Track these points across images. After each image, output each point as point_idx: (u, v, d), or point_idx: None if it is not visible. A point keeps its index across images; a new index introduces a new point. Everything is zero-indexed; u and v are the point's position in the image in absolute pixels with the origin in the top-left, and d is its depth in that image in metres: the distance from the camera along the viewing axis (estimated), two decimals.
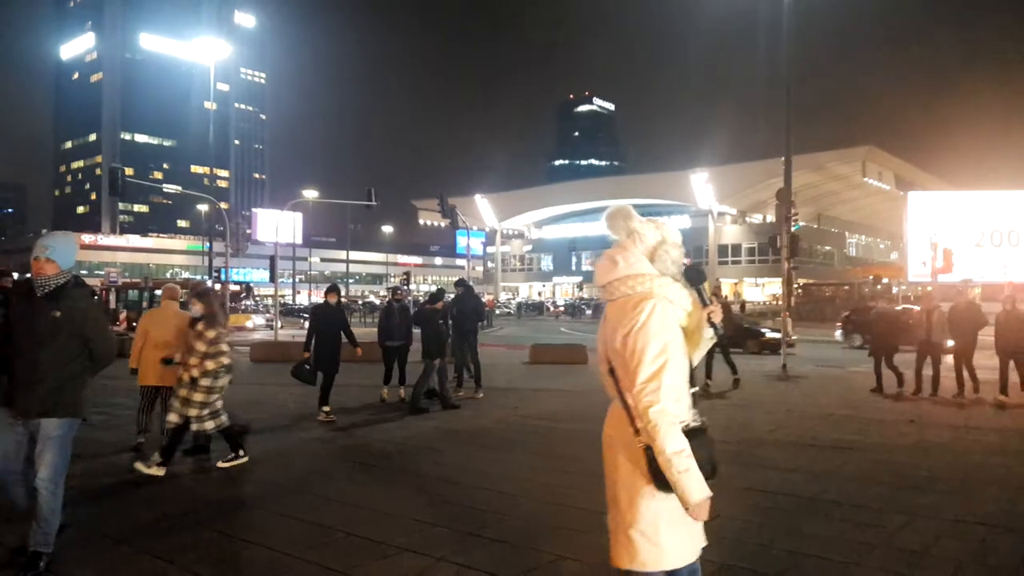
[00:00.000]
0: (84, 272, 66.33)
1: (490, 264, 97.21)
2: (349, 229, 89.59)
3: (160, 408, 7.48)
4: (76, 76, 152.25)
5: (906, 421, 9.45)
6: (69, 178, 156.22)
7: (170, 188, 47.23)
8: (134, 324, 18.11)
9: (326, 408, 9.56)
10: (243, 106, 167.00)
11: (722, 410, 10.35)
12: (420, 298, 31.94)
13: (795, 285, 45.49)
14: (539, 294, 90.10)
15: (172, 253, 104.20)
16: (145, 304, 34.93)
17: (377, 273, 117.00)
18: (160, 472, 6.41)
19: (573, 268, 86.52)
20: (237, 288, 42.93)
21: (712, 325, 2.58)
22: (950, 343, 11.57)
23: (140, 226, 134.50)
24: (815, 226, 70.61)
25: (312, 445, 8.15)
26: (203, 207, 67.25)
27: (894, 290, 38.72)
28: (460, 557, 4.49)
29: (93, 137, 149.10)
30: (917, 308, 13.20)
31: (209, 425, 6.75)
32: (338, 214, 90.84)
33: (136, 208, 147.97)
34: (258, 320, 37.47)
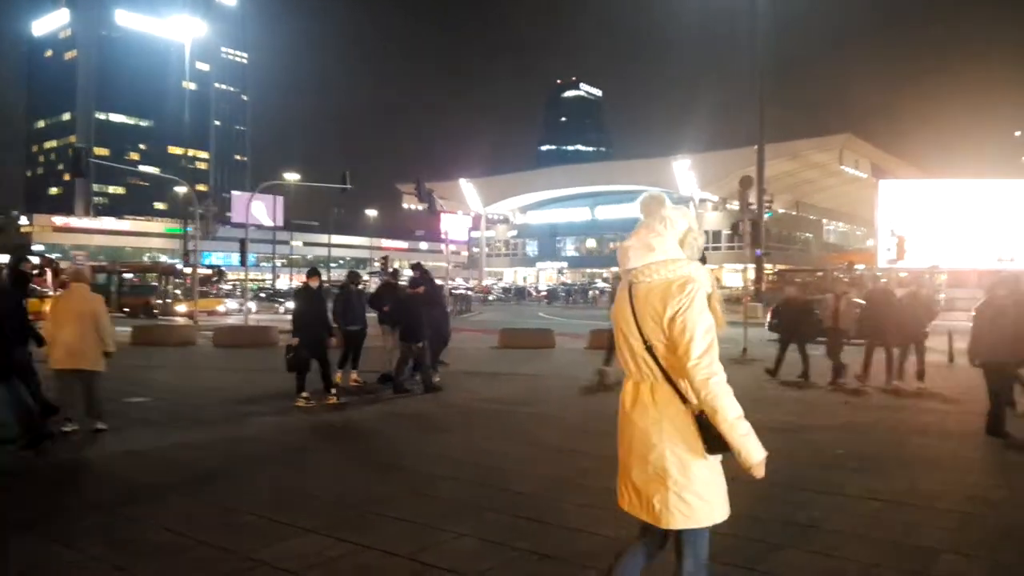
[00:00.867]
0: (58, 255, 65.63)
1: (475, 249, 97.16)
2: (333, 213, 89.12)
3: (80, 391, 7.52)
4: (49, 53, 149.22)
5: (840, 402, 9.68)
6: (42, 158, 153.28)
7: (146, 169, 46.69)
8: None
9: (304, 394, 9.52)
10: (224, 86, 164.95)
11: None
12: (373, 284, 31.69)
13: (770, 271, 45.85)
14: (524, 279, 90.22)
15: (149, 236, 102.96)
16: (114, 289, 34.88)
17: (361, 257, 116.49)
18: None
19: (558, 254, 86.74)
20: (209, 272, 42.59)
21: None
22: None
23: (116, 208, 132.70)
24: (793, 213, 71.04)
25: (262, 429, 8.23)
26: (182, 189, 66.69)
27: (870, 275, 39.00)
28: (363, 537, 4.58)
29: (67, 116, 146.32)
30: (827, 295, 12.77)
31: None
32: (323, 197, 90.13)
33: (112, 190, 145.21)
34: (231, 304, 37.24)
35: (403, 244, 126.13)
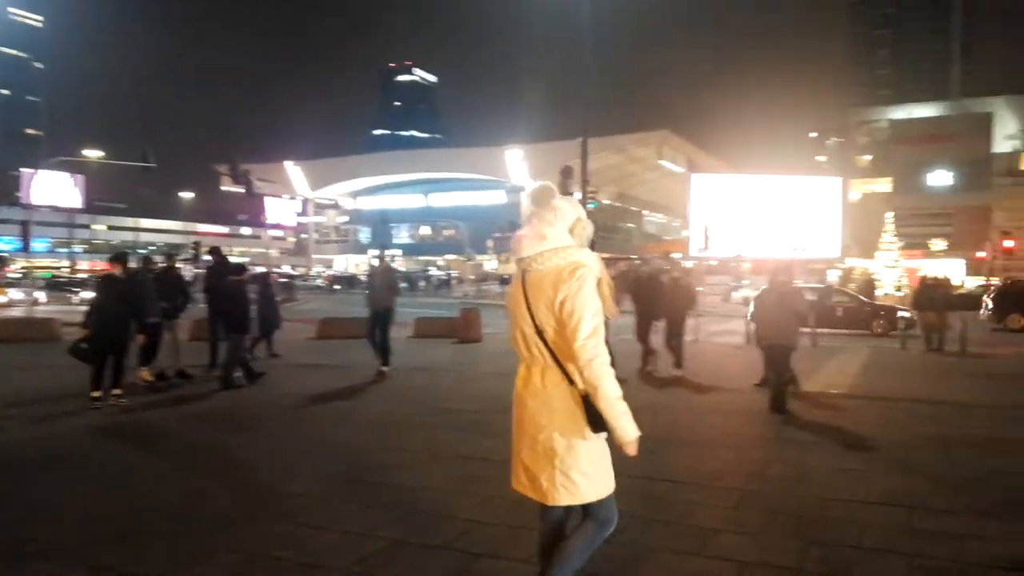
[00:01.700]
0: None
1: (303, 235, 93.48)
2: (143, 194, 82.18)
3: None
4: None
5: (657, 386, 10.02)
6: None
7: None
8: None
9: (95, 394, 8.38)
10: (11, 51, 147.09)
11: (486, 380, 10.39)
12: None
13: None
14: (355, 267, 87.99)
15: None
16: None
17: (176, 243, 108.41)
18: None
19: (391, 241, 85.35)
20: None
21: None
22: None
23: None
24: (617, 204, 74.49)
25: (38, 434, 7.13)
26: None
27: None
28: (109, 560, 3.98)
29: None
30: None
31: None
32: (133, 177, 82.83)
33: None
34: (16, 295, 33.17)
35: (223, 229, 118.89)
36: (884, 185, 79.60)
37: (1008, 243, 30.29)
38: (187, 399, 9.27)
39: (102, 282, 9.04)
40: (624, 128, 68.41)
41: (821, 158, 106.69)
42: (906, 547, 4.16)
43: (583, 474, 2.80)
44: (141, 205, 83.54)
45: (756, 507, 4.93)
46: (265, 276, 15.63)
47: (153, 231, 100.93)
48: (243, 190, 33.85)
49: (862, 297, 22.73)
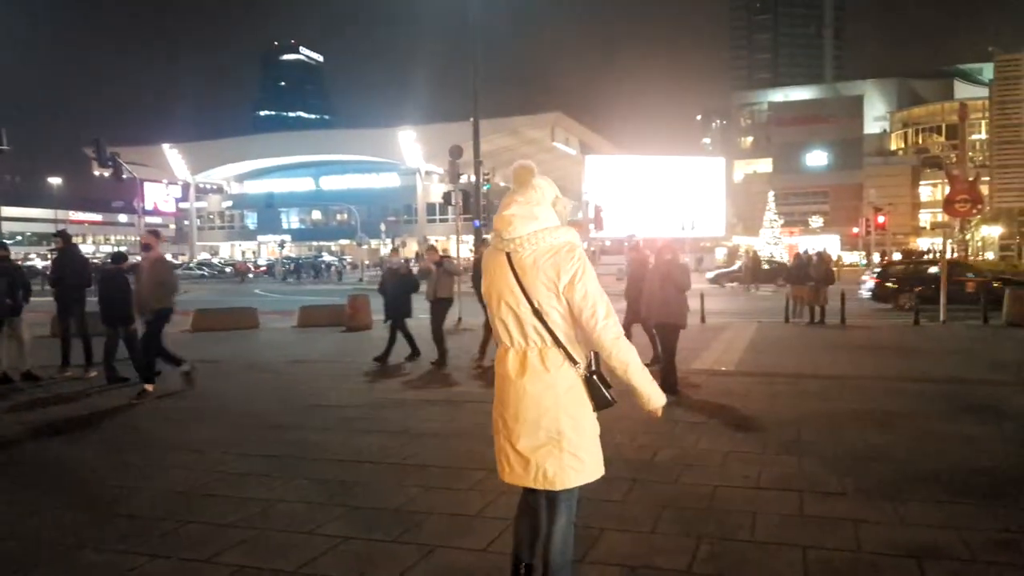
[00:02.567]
0: None
1: (185, 222, 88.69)
2: (3, 180, 75.68)
3: None
4: None
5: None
6: None
7: None
8: None
9: None
10: None
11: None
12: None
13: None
14: (243, 254, 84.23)
15: None
16: None
17: (45, 233, 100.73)
18: None
19: (280, 226, 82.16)
20: None
21: None
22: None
23: None
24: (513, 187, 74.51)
25: None
26: None
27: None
28: None
29: None
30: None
31: None
32: None
33: None
34: None
35: (97, 216, 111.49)
36: (765, 165, 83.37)
37: (881, 219, 31.99)
38: (33, 405, 8.19)
39: None
40: (517, 110, 68.39)
41: (706, 140, 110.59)
42: (800, 537, 3.91)
43: (589, 453, 2.81)
44: (3, 192, 76.71)
45: (644, 500, 4.61)
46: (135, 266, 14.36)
47: (17, 220, 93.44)
48: (111, 172, 31.73)
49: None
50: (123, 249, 10.95)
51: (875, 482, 4.81)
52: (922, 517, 4.17)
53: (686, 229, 38.38)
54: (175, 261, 63.24)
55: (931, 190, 76.31)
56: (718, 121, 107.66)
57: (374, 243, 66.35)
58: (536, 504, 2.93)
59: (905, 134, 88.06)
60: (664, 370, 7.94)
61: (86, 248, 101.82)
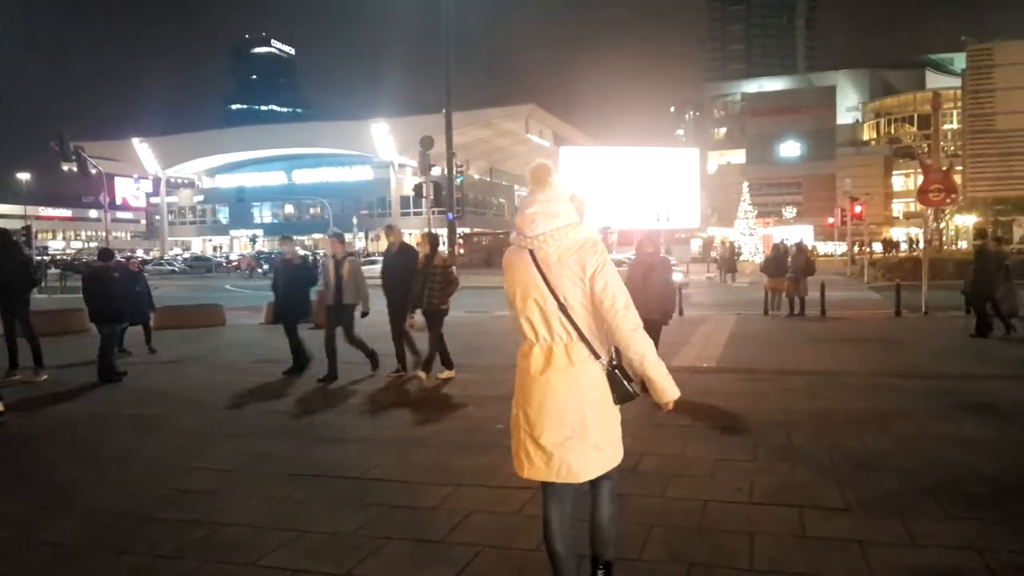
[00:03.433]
0: None
1: (156, 217, 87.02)
2: None
3: None
4: None
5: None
6: None
7: None
8: None
9: None
10: None
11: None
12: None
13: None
14: (214, 249, 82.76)
15: None
16: None
17: (13, 229, 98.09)
18: None
19: (252, 220, 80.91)
20: None
21: None
22: None
23: None
24: (488, 179, 73.94)
25: None
26: None
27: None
28: None
29: None
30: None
31: None
32: None
33: None
34: None
35: (67, 212, 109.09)
36: (739, 156, 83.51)
37: (858, 208, 31.95)
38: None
39: None
40: (491, 102, 67.78)
41: (680, 132, 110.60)
42: (804, 563, 3.51)
43: (610, 443, 2.88)
44: None
45: (629, 517, 4.17)
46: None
47: None
48: (74, 166, 31.09)
49: None
50: (95, 244, 10.64)
51: (877, 494, 4.44)
52: (935, 536, 3.78)
53: (661, 220, 38.11)
54: (146, 257, 61.99)
55: (903, 180, 76.98)
56: (691, 112, 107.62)
57: (347, 236, 65.44)
58: (559, 496, 2.93)
59: (877, 124, 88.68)
60: None
61: (55, 244, 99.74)
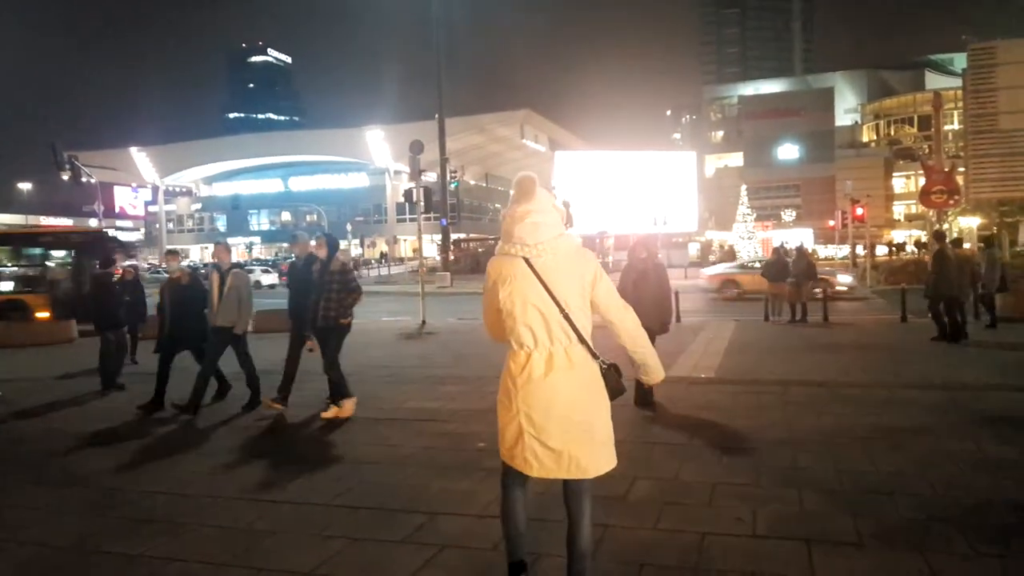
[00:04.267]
0: None
1: (155, 225, 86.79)
2: None
3: None
4: None
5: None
6: None
7: None
8: None
9: None
10: None
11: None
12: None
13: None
14: (212, 256, 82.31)
15: None
16: None
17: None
18: None
19: (249, 227, 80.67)
20: None
21: None
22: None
23: None
24: (484, 184, 73.52)
25: None
26: None
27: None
28: None
29: None
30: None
31: None
32: None
33: None
34: None
35: (68, 221, 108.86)
36: (736, 159, 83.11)
37: (860, 211, 31.46)
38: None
39: None
40: (485, 108, 67.52)
41: (677, 135, 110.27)
42: None
43: (611, 440, 2.99)
44: None
45: (618, 554, 3.75)
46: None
47: None
48: (70, 176, 31.22)
49: None
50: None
51: (893, 524, 4.01)
52: None
53: (658, 224, 37.65)
54: (141, 264, 61.51)
55: (904, 182, 76.46)
56: (688, 116, 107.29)
57: (342, 244, 65.12)
58: (523, 483, 3.06)
59: (877, 126, 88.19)
60: (639, 382, 7.11)
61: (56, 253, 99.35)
